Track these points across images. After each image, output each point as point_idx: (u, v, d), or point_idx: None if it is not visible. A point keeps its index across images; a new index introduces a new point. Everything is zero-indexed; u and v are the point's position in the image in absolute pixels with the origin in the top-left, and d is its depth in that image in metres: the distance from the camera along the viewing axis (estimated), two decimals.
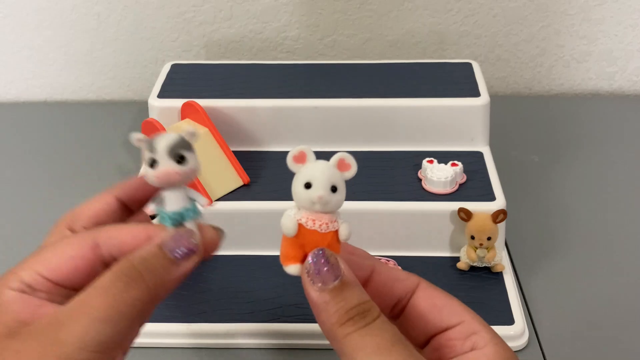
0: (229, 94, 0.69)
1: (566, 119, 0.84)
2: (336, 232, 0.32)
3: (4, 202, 0.73)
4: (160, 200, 0.33)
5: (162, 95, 0.69)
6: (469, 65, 0.73)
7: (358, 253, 0.36)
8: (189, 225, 0.33)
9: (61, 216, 0.37)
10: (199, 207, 0.34)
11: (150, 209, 0.34)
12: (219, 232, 0.35)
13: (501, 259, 0.59)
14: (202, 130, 0.65)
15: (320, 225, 0.32)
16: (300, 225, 0.32)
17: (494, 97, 0.69)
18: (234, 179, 0.63)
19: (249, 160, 0.64)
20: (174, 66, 0.74)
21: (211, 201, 0.33)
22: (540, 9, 0.86)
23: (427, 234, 0.60)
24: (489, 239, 0.57)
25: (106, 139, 0.81)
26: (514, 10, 0.86)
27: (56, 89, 0.91)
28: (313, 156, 0.32)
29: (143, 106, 0.71)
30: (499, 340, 0.33)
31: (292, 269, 0.32)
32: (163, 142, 0.32)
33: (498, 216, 0.57)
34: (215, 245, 0.34)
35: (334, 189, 0.31)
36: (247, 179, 0.63)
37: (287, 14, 0.86)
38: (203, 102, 0.66)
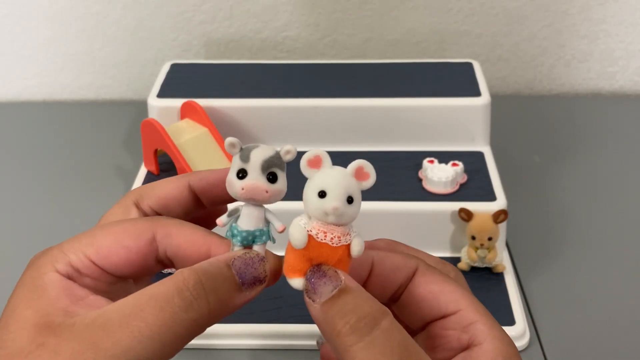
0: (229, 93, 0.69)
1: (567, 119, 0.83)
2: (348, 246, 0.30)
3: (3, 202, 0.72)
4: (235, 213, 0.31)
5: (161, 95, 0.69)
6: (470, 64, 0.73)
7: None
8: (257, 248, 0.31)
9: (132, 190, 0.35)
10: (274, 232, 0.31)
11: (221, 221, 0.30)
12: (282, 263, 0.32)
13: (502, 260, 0.59)
14: (202, 130, 0.64)
15: (332, 238, 0.29)
16: (310, 237, 0.29)
17: (494, 97, 0.69)
18: None
19: None
20: (173, 66, 0.74)
21: (284, 227, 0.30)
22: (541, 8, 0.85)
23: (428, 234, 0.60)
24: (489, 239, 0.57)
25: (105, 138, 0.81)
26: (514, 10, 0.86)
27: (55, 88, 0.91)
28: (329, 162, 0.30)
29: (142, 106, 0.71)
30: (498, 333, 0.31)
31: (296, 282, 0.30)
32: (259, 155, 0.30)
33: (499, 216, 0.57)
34: (277, 277, 0.31)
35: (349, 200, 0.29)
36: None
37: (287, 14, 0.86)
38: (203, 102, 0.66)
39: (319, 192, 0.29)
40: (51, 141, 0.82)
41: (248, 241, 0.31)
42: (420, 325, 0.33)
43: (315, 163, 0.30)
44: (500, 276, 0.59)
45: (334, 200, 0.29)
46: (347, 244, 0.30)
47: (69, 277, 0.30)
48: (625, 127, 0.82)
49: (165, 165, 0.65)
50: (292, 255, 0.30)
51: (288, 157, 0.30)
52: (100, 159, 0.78)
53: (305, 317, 0.55)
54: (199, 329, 0.28)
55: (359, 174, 0.30)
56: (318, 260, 0.30)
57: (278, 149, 0.31)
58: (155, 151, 0.64)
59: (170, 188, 0.34)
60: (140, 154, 0.67)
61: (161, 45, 0.88)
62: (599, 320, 0.57)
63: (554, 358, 0.54)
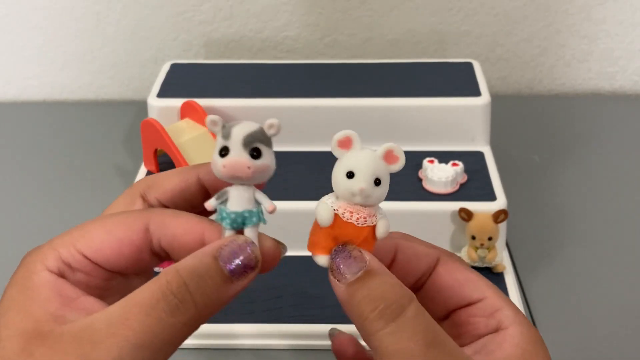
0: (229, 93, 0.69)
1: (567, 118, 0.83)
2: (373, 227, 0.30)
3: (3, 202, 0.72)
4: (223, 196, 0.30)
5: (161, 94, 0.69)
6: (470, 64, 0.73)
7: None
8: (249, 232, 0.30)
9: (138, 181, 0.34)
10: (264, 212, 0.30)
11: (210, 204, 0.30)
12: (280, 247, 0.31)
13: (502, 259, 0.59)
14: (202, 130, 0.64)
15: (358, 218, 0.29)
16: (336, 216, 0.29)
17: (494, 97, 0.69)
18: None
19: None
20: (173, 66, 0.74)
21: (275, 207, 0.30)
22: (541, 8, 0.85)
23: (428, 234, 0.59)
24: (489, 239, 0.57)
25: (105, 138, 0.81)
26: (514, 10, 0.86)
27: (55, 88, 0.91)
28: (359, 143, 0.30)
29: (142, 106, 0.71)
30: (523, 319, 0.32)
31: (322, 259, 0.30)
32: (240, 130, 0.29)
33: (499, 216, 0.57)
34: (274, 262, 0.31)
35: (377, 182, 0.29)
36: None
37: (287, 13, 0.86)
38: (202, 102, 0.66)
39: (347, 173, 0.29)
40: (51, 141, 0.82)
41: (238, 223, 0.30)
42: (444, 314, 0.34)
43: (346, 143, 0.30)
44: (500, 276, 0.59)
45: (362, 182, 0.29)
46: (372, 225, 0.30)
47: (60, 274, 0.29)
48: (625, 127, 0.82)
49: (165, 165, 0.65)
50: (317, 233, 0.30)
51: (272, 132, 0.30)
52: (100, 159, 0.78)
53: (305, 317, 0.55)
54: (189, 330, 0.28)
55: (389, 157, 0.30)
56: (343, 239, 0.30)
57: (262, 125, 0.30)
58: (155, 151, 0.64)
59: (178, 180, 0.34)
60: (140, 154, 0.67)
61: (161, 45, 0.88)
62: (599, 320, 0.57)
63: (554, 358, 0.54)
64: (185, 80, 0.71)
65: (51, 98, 0.91)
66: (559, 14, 0.86)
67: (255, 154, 0.29)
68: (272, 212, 0.30)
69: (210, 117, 0.29)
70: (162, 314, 0.27)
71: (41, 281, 0.29)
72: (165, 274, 0.28)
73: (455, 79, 0.70)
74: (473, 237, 0.57)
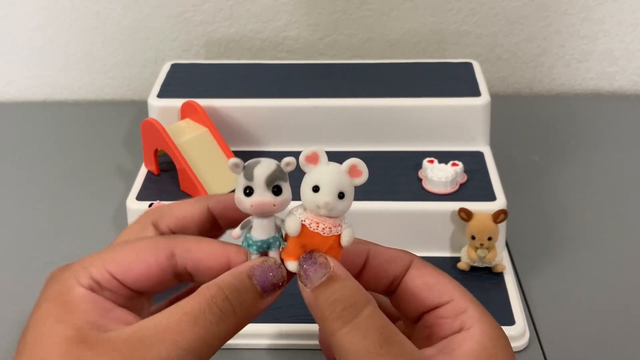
0: (229, 93, 0.69)
1: (567, 118, 0.83)
2: (339, 236, 0.32)
3: (3, 202, 0.72)
4: (248, 225, 0.33)
5: (161, 95, 0.69)
6: (470, 64, 0.73)
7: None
8: (273, 253, 0.33)
9: (150, 209, 0.36)
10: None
11: (235, 233, 0.33)
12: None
13: (502, 259, 0.59)
14: (202, 130, 0.65)
15: (324, 229, 0.32)
16: (303, 226, 0.32)
17: (494, 97, 0.69)
18: (233, 179, 0.63)
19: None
20: (173, 66, 0.74)
21: None
22: (541, 8, 0.85)
23: (428, 234, 0.60)
24: (489, 239, 0.57)
25: (106, 138, 0.81)
26: (514, 10, 0.86)
27: (55, 88, 0.91)
28: (325, 158, 0.32)
29: (143, 106, 0.71)
30: (487, 319, 0.33)
31: (292, 265, 0.33)
32: (262, 172, 0.32)
33: (499, 216, 0.57)
34: (291, 276, 0.33)
35: (341, 196, 0.32)
36: None
37: (287, 14, 0.86)
38: (203, 102, 0.66)
39: (313, 187, 0.31)
40: (51, 141, 0.82)
41: (263, 249, 0.33)
42: (416, 316, 0.35)
43: (313, 159, 0.32)
44: (500, 276, 0.59)
45: (326, 196, 0.31)
46: (338, 234, 0.32)
47: (92, 290, 0.31)
48: (625, 127, 0.82)
49: (165, 165, 0.65)
50: (288, 241, 0.33)
51: (289, 169, 0.32)
52: (100, 159, 0.78)
53: (305, 317, 0.55)
54: (228, 338, 0.31)
55: (353, 171, 0.32)
56: (311, 247, 0.32)
57: (278, 162, 0.32)
58: (156, 151, 0.64)
59: (189, 209, 0.36)
60: (140, 154, 0.67)
61: (161, 45, 0.88)
62: (599, 320, 0.57)
63: (554, 358, 0.54)
64: (185, 81, 0.71)
65: (51, 98, 0.91)
66: (558, 14, 0.86)
67: (277, 190, 0.32)
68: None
69: (232, 161, 0.32)
70: (208, 323, 0.30)
71: (78, 295, 0.31)
72: (209, 288, 0.31)
73: (455, 79, 0.70)
74: (473, 237, 0.57)
